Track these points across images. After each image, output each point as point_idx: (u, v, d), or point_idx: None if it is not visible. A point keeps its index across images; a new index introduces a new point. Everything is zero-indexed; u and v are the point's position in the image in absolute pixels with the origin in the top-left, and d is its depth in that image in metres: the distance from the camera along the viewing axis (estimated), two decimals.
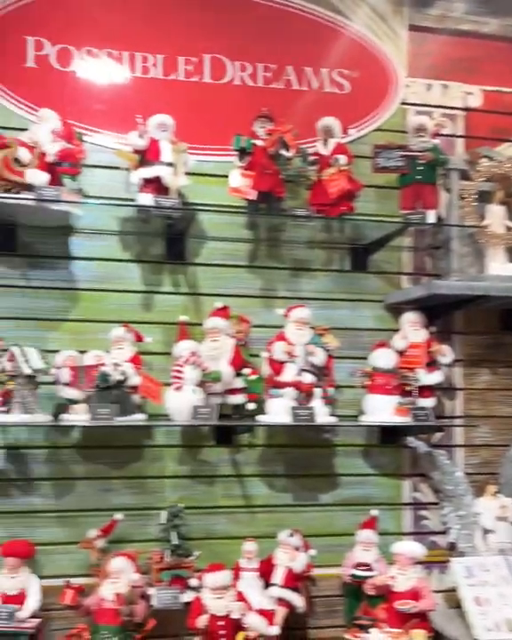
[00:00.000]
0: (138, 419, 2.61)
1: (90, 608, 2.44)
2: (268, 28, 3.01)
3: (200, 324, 2.76)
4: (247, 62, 2.99)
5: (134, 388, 2.61)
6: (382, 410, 2.77)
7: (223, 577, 2.47)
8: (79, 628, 2.44)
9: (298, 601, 2.60)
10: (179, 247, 2.88)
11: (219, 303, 2.78)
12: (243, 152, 2.71)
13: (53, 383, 2.61)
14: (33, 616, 2.45)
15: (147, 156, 2.63)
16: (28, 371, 2.48)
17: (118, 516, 2.66)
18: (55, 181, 2.52)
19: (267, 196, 2.73)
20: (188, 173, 2.68)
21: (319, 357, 2.67)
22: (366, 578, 2.65)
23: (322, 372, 2.71)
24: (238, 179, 2.68)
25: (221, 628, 2.40)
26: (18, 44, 2.78)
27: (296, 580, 2.62)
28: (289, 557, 2.62)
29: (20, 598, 2.46)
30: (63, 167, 2.53)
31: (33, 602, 2.47)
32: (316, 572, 2.75)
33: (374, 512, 2.81)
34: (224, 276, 2.92)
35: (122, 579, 2.45)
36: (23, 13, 2.78)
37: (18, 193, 2.48)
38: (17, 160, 2.48)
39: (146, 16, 2.89)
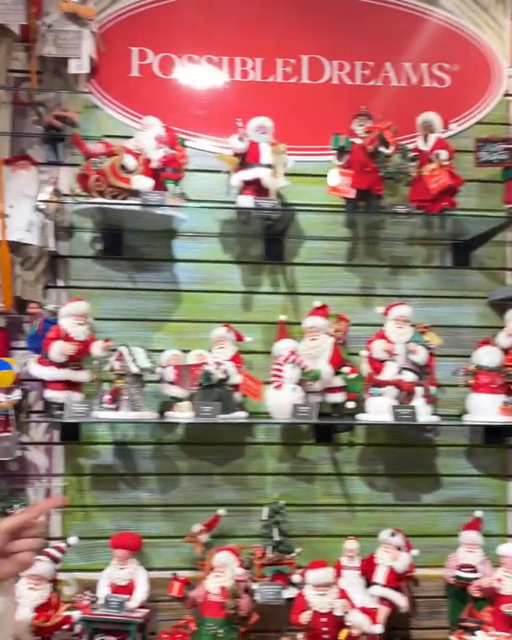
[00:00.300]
0: (239, 416, 2.66)
1: (196, 600, 2.51)
2: (365, 26, 2.99)
3: (299, 324, 2.78)
4: (345, 61, 2.99)
5: (235, 387, 2.66)
6: (486, 409, 2.70)
7: (326, 574, 2.48)
8: (186, 620, 2.52)
9: (401, 600, 2.58)
10: (278, 247, 2.91)
11: (317, 302, 2.79)
12: (341, 151, 2.71)
13: (159, 381, 2.70)
14: (141, 606, 2.54)
15: (246, 158, 2.67)
16: (135, 370, 2.57)
17: (221, 511, 2.72)
18: (159, 186, 2.61)
19: (365, 194, 2.72)
20: (287, 174, 2.71)
21: (420, 356, 2.64)
22: (471, 580, 2.60)
23: (423, 371, 2.67)
24: (337, 177, 2.69)
25: (324, 625, 2.42)
26: (123, 55, 2.89)
27: (398, 580, 2.60)
28: (391, 557, 2.61)
29: (129, 589, 2.56)
30: (167, 172, 2.61)
31: (141, 592, 2.56)
32: (418, 572, 2.72)
33: (478, 513, 2.75)
34: (323, 274, 2.93)
35: (226, 572, 2.50)
36: (127, 25, 2.88)
37: (124, 199, 2.58)
38: (123, 167, 2.58)
39: (244, 21, 2.94)
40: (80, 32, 2.62)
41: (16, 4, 2.40)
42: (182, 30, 2.91)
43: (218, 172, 2.79)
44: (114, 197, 2.58)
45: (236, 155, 2.70)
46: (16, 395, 2.63)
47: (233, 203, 2.71)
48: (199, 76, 2.93)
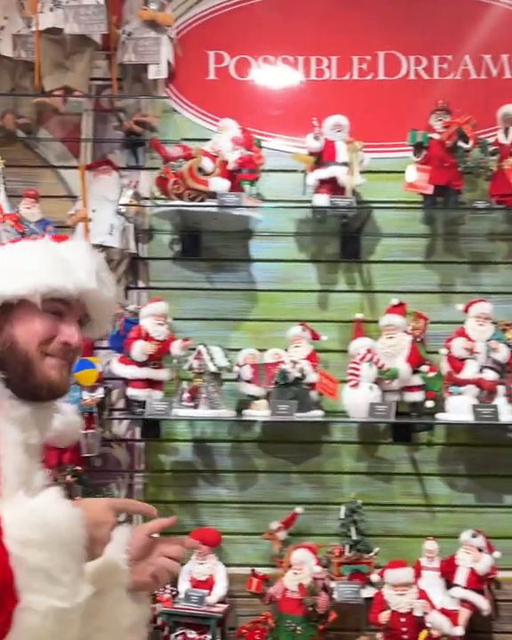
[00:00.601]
0: (316, 415, 2.67)
1: (274, 597, 2.54)
2: (442, 18, 2.93)
3: (376, 322, 2.76)
4: (422, 56, 2.94)
5: (312, 385, 2.67)
6: None
7: (405, 574, 2.46)
8: (264, 616, 2.55)
9: (482, 603, 2.52)
10: (354, 245, 2.89)
11: (395, 300, 2.76)
12: (419, 147, 2.68)
13: (236, 380, 2.73)
14: (220, 601, 2.59)
15: (322, 157, 2.67)
16: (213, 368, 2.61)
17: (298, 509, 2.73)
18: (235, 187, 2.64)
19: (444, 190, 2.68)
20: (363, 172, 2.69)
21: (502, 354, 2.58)
22: None
23: (505, 369, 2.61)
24: (414, 174, 2.66)
25: (403, 625, 2.40)
26: (200, 59, 2.93)
27: (480, 582, 2.55)
28: (472, 558, 2.56)
29: (208, 584, 2.61)
30: (243, 173, 2.64)
31: (220, 588, 2.61)
32: (500, 575, 2.66)
33: None
34: (400, 272, 2.90)
35: (304, 570, 2.52)
36: (204, 30, 2.93)
37: (202, 200, 2.63)
38: (201, 169, 2.63)
39: (319, 20, 2.93)
40: (158, 38, 2.67)
41: (98, 14, 2.47)
42: (258, 32, 2.94)
43: (293, 171, 2.80)
44: (192, 200, 2.63)
45: (311, 154, 2.71)
46: (99, 393, 2.70)
47: (308, 202, 2.71)
48: (275, 76, 2.95)
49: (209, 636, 2.53)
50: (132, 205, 2.71)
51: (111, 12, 2.63)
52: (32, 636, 1.07)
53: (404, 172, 2.70)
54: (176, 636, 2.53)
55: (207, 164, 2.64)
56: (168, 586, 2.62)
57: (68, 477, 2.64)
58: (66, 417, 1.49)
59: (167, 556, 1.40)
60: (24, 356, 1.30)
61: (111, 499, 1.33)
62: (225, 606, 2.59)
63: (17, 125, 2.81)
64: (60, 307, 1.33)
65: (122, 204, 2.70)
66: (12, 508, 1.11)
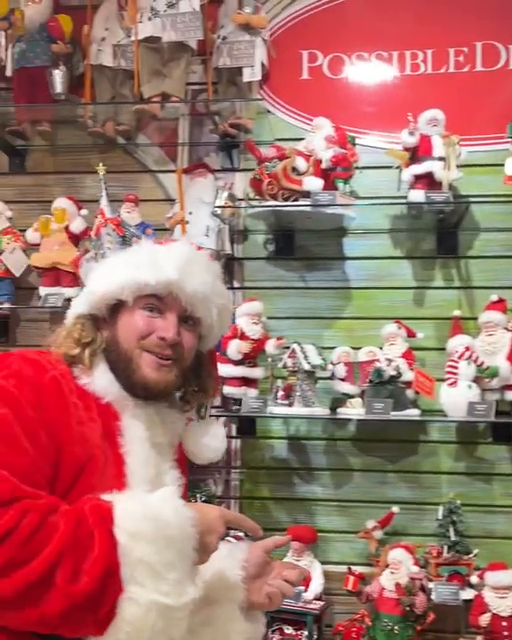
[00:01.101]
0: (412, 414, 2.63)
1: (371, 595, 2.53)
2: None
3: (474, 319, 2.70)
4: None
5: (408, 384, 2.63)
6: None
7: (506, 576, 2.39)
8: (361, 614, 2.54)
9: None
10: (451, 241, 2.83)
11: (494, 296, 2.68)
12: None
13: (330, 378, 2.73)
14: (317, 598, 2.60)
15: (418, 152, 2.63)
16: (307, 366, 2.62)
17: (395, 508, 2.70)
18: (329, 186, 2.64)
19: None
20: (460, 166, 2.63)
21: None
22: None
23: None
24: None
25: (505, 629, 2.34)
26: (293, 60, 2.94)
27: None
28: None
29: (305, 580, 2.62)
30: (337, 172, 2.64)
31: (317, 585, 2.61)
32: None
33: None
34: (499, 267, 2.81)
35: (401, 570, 2.49)
36: (297, 30, 2.94)
37: (296, 200, 2.64)
38: (294, 169, 2.64)
39: (413, 14, 2.89)
40: (253, 41, 2.70)
41: (194, 21, 2.53)
42: (351, 29, 2.92)
43: (388, 168, 2.77)
44: (286, 199, 2.65)
45: (406, 149, 2.67)
46: None
47: (404, 198, 2.68)
48: (369, 73, 2.92)
49: (305, 633, 2.54)
50: (227, 207, 2.76)
51: (206, 17, 2.69)
52: (134, 628, 1.09)
53: (502, 165, 2.62)
54: (272, 630, 2.56)
55: (301, 163, 2.66)
56: None
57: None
58: (213, 438, 1.54)
59: (285, 579, 1.39)
60: (124, 354, 1.36)
61: (224, 509, 1.31)
62: (321, 603, 2.60)
63: (117, 132, 2.91)
64: (155, 302, 1.36)
65: (217, 206, 2.76)
66: (127, 499, 1.15)
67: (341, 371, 2.70)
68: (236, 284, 2.95)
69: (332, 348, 2.77)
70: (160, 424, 1.38)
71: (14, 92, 2.90)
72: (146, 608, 1.08)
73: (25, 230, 2.87)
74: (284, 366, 2.68)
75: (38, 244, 2.83)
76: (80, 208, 2.85)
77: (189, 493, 2.70)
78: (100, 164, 2.67)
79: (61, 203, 2.84)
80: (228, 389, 2.72)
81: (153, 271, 1.35)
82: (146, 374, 1.35)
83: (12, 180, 3.05)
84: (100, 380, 1.35)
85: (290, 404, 2.66)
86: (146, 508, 1.14)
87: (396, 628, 2.43)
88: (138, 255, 1.41)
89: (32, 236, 2.84)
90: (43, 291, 2.81)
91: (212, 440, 1.52)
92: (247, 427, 2.85)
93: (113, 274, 1.38)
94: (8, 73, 2.81)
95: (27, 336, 3.00)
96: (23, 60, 2.82)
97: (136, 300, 1.37)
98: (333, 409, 2.75)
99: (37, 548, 1.06)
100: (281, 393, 2.69)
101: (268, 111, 2.89)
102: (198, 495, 2.71)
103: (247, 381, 2.73)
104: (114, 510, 1.12)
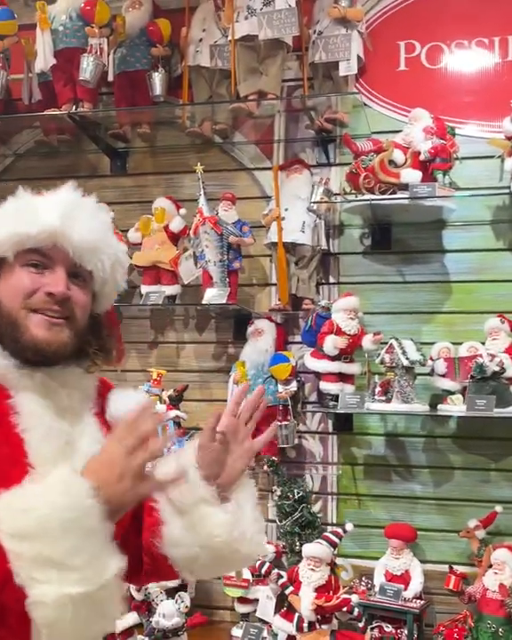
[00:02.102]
0: None
1: (473, 596, 2.47)
2: None
3: None
4: None
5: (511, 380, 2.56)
6: None
7: None
8: (463, 615, 2.48)
9: None
10: None
11: None
12: None
13: (429, 374, 2.69)
14: (416, 597, 2.56)
15: None
16: (405, 362, 2.58)
17: (498, 508, 2.63)
18: (428, 178, 2.59)
19: None
20: None
21: None
22: None
23: None
24: None
25: None
26: (390, 51, 2.90)
27: None
28: None
29: (404, 579, 2.59)
30: (436, 163, 2.58)
31: (416, 583, 2.58)
32: None
33: None
34: None
35: (505, 571, 2.42)
36: (394, 20, 2.90)
37: (393, 193, 2.61)
38: (392, 162, 2.61)
39: None
40: (349, 35, 2.67)
41: (290, 17, 2.54)
42: (450, 17, 2.84)
43: (489, 157, 2.69)
44: (383, 193, 2.63)
45: (508, 138, 2.59)
46: (293, 386, 2.79)
47: (506, 188, 2.60)
48: (468, 61, 2.84)
49: (405, 631, 2.51)
50: (324, 202, 2.75)
51: (302, 12, 2.69)
52: (53, 629, 1.01)
53: None
54: (372, 628, 2.55)
55: (398, 155, 2.62)
56: (364, 578, 2.65)
57: (265, 467, 2.76)
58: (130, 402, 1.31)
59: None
60: (9, 317, 1.22)
61: (123, 441, 1.12)
62: (421, 602, 2.56)
63: (214, 131, 2.96)
64: (38, 258, 1.23)
65: (314, 202, 2.76)
66: (4, 496, 1.05)
67: (441, 366, 2.65)
68: (331, 280, 2.94)
69: (431, 343, 2.72)
70: (60, 387, 1.25)
71: (115, 96, 3.00)
72: (57, 605, 1.00)
73: (127, 230, 2.96)
74: (382, 362, 2.65)
75: (139, 244, 2.92)
76: (179, 207, 2.92)
77: (286, 488, 2.73)
78: (198, 164, 2.75)
79: (161, 203, 2.92)
80: (324, 385, 2.72)
81: (32, 221, 1.21)
82: (35, 335, 1.21)
83: (113, 181, 3.16)
84: None
85: (388, 400, 2.63)
86: (26, 501, 1.03)
87: (500, 630, 2.37)
88: (14, 207, 1.26)
89: (134, 235, 2.93)
90: (144, 289, 2.90)
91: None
92: (344, 422, 2.84)
93: None
94: (109, 78, 2.91)
95: (128, 333, 3.10)
96: (124, 64, 2.91)
97: (17, 256, 1.23)
98: (433, 405, 2.70)
99: None
100: (378, 389, 2.66)
101: (365, 104, 2.85)
102: (295, 491, 2.72)
103: (344, 377, 2.72)
104: None
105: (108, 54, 2.83)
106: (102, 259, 1.28)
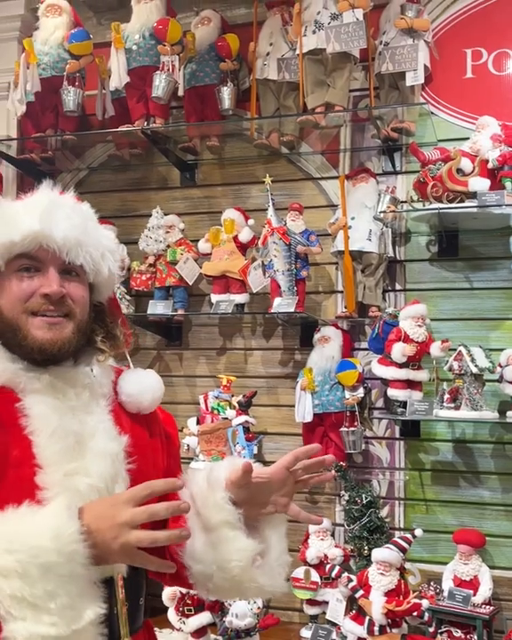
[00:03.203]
0: None
1: None
2: None
3: None
4: None
5: None
6: None
7: None
8: None
9: None
10: None
11: None
12: None
13: (498, 381, 2.68)
14: (485, 602, 2.56)
15: None
16: (474, 369, 2.58)
17: None
18: (496, 185, 2.59)
19: None
20: None
21: None
22: None
23: None
24: None
25: None
26: (457, 59, 2.89)
27: None
28: None
29: (472, 584, 2.59)
30: (504, 171, 2.58)
31: (485, 589, 2.57)
32: None
33: None
34: None
35: None
36: (460, 29, 2.89)
37: (462, 201, 2.62)
38: (459, 170, 2.62)
39: None
40: (415, 45, 2.69)
41: (358, 30, 2.57)
42: None
43: None
44: (450, 201, 2.64)
45: None
46: (360, 392, 2.82)
47: None
48: None
49: (475, 637, 2.52)
50: (391, 212, 2.78)
51: (368, 24, 2.71)
52: None
53: None
54: (441, 632, 2.57)
55: (466, 164, 2.62)
56: (432, 583, 2.68)
57: (333, 472, 2.80)
58: (140, 380, 1.39)
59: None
60: (12, 323, 1.25)
61: (132, 491, 1.14)
62: (491, 608, 2.57)
63: (281, 143, 3.01)
64: (27, 262, 1.26)
65: (381, 211, 2.78)
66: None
67: (510, 373, 2.64)
68: (398, 287, 2.95)
69: (500, 349, 2.71)
70: (69, 387, 1.27)
71: (185, 110, 3.08)
72: None
73: (197, 241, 3.05)
74: (450, 369, 2.66)
75: (209, 254, 2.99)
76: (247, 218, 2.98)
77: (354, 493, 2.77)
78: (267, 176, 2.81)
79: (230, 214, 2.99)
80: (392, 392, 2.74)
81: (14, 227, 1.24)
82: (37, 337, 1.24)
83: (183, 193, 3.24)
84: None
85: (456, 408, 2.64)
86: (8, 541, 1.05)
87: None
88: None
89: (203, 246, 3.01)
90: (214, 298, 2.97)
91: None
92: (411, 428, 2.86)
93: None
94: (180, 92, 2.99)
95: (198, 340, 3.19)
96: (193, 79, 2.99)
97: (7, 265, 1.26)
98: (502, 412, 2.69)
99: None
100: (447, 396, 2.67)
101: (431, 112, 2.86)
102: (363, 496, 2.76)
103: (412, 384, 2.74)
104: None
105: (179, 70, 2.91)
106: (89, 251, 1.29)
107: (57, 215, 1.26)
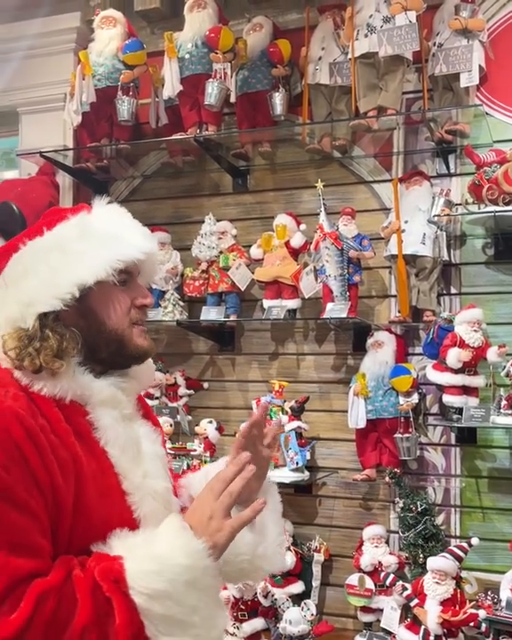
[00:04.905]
0: None
1: None
2: None
3: None
4: None
5: None
6: None
7: None
8: None
9: None
10: None
11: None
12: None
13: None
14: None
15: None
16: None
17: None
18: None
19: None
20: None
21: None
22: None
23: None
24: None
25: None
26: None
27: None
28: None
29: None
30: None
31: None
32: None
33: None
34: None
35: None
36: None
37: None
38: None
39: None
40: (470, 45, 2.64)
41: (410, 33, 2.54)
42: None
43: None
44: (507, 203, 2.59)
45: None
46: (414, 398, 2.78)
47: None
48: None
49: None
50: (446, 215, 2.74)
51: (422, 25, 2.67)
52: None
53: None
54: None
55: None
56: (490, 593, 2.62)
57: (387, 479, 2.78)
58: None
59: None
60: (116, 334, 1.32)
61: (224, 498, 1.23)
62: None
63: (333, 147, 3.00)
64: (125, 276, 1.33)
65: (435, 214, 2.74)
66: (133, 556, 1.14)
67: None
68: (453, 291, 2.91)
69: None
70: (125, 397, 1.34)
71: (237, 117, 3.10)
72: None
73: (249, 246, 3.06)
74: (507, 374, 2.60)
75: (261, 259, 3.00)
76: (299, 223, 2.98)
77: (409, 500, 2.73)
78: (319, 180, 2.80)
79: (282, 219, 2.99)
80: (447, 398, 2.71)
81: (132, 246, 1.32)
82: (139, 344, 1.35)
83: (235, 198, 3.26)
84: (68, 380, 1.26)
85: None
86: (155, 563, 1.13)
87: None
88: (102, 234, 1.32)
89: (255, 251, 3.02)
90: (266, 303, 2.98)
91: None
92: (468, 435, 2.81)
93: (86, 259, 1.28)
94: (232, 99, 3.01)
95: (250, 345, 3.20)
96: (245, 86, 3.01)
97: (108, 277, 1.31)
98: None
99: (61, 628, 1.08)
100: (504, 402, 2.61)
101: (486, 113, 2.80)
102: (418, 503, 2.72)
103: (467, 390, 2.70)
104: (125, 573, 1.12)
105: (231, 77, 2.93)
106: (156, 265, 1.47)
107: (145, 232, 1.39)
